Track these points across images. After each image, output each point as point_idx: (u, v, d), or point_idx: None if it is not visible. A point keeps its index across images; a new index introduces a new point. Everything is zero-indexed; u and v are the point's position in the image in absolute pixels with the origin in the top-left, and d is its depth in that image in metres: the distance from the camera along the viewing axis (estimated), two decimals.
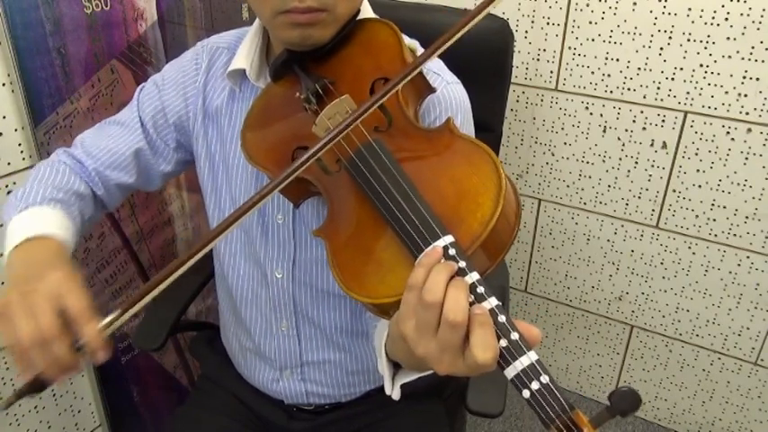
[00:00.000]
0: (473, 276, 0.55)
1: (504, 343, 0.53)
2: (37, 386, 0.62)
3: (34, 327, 0.59)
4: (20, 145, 1.06)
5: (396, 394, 0.67)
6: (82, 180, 0.89)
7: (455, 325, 0.52)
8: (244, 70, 0.84)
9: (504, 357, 0.53)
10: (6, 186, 1.06)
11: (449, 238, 0.57)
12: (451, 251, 0.56)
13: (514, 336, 0.53)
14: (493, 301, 0.54)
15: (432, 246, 0.56)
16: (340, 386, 0.97)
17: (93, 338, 0.59)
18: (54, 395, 1.24)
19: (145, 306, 0.63)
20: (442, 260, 0.55)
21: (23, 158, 1.07)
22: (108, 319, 0.60)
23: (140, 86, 0.94)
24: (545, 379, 0.52)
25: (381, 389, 0.99)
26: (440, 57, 0.86)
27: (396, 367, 0.69)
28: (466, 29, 0.66)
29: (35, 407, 1.20)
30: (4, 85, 1.01)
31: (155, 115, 0.91)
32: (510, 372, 0.53)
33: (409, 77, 0.66)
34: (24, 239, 0.73)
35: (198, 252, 0.60)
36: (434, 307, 0.53)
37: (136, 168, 0.92)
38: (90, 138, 0.92)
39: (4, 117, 1.03)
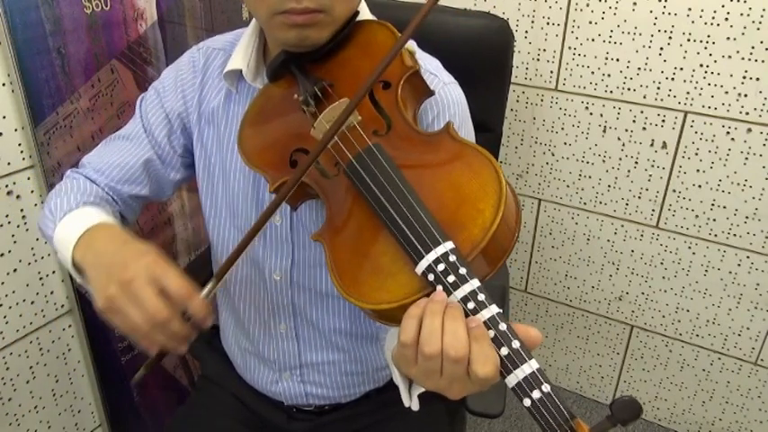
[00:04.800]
0: (474, 283, 0.55)
1: (504, 351, 0.53)
2: (162, 357, 0.69)
3: (145, 314, 0.62)
4: (20, 145, 1.06)
5: (414, 405, 0.67)
6: (104, 191, 0.88)
7: (458, 359, 0.53)
8: (240, 71, 0.84)
9: (506, 366, 0.53)
10: (6, 186, 1.06)
11: (449, 245, 0.57)
12: (452, 258, 0.56)
13: (515, 344, 0.53)
14: (494, 309, 0.54)
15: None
16: (339, 387, 0.97)
17: (199, 310, 0.63)
18: (54, 395, 1.24)
19: None
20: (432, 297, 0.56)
21: (23, 158, 1.07)
22: (206, 289, 0.65)
23: (141, 96, 0.94)
24: (546, 388, 0.52)
25: (381, 389, 0.99)
26: (439, 57, 0.87)
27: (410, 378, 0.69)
28: None
29: (35, 407, 1.21)
30: (4, 85, 1.01)
31: (160, 123, 0.91)
32: (511, 380, 0.53)
33: (395, 55, 0.66)
34: (83, 232, 0.74)
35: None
36: (436, 356, 0.54)
37: (147, 179, 0.91)
38: (97, 156, 0.91)
39: (4, 117, 1.03)
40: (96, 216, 0.78)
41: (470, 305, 0.55)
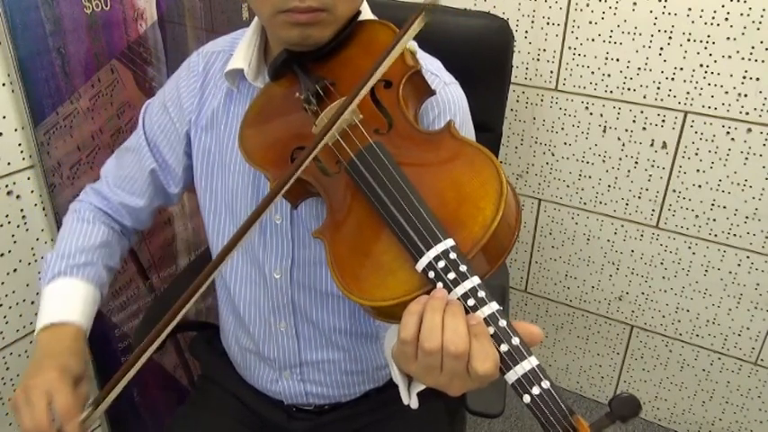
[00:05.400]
0: (474, 281, 0.55)
1: (504, 348, 0.53)
2: None
3: (32, 419, 0.71)
4: (20, 145, 1.06)
5: (414, 403, 0.67)
6: (107, 224, 0.95)
7: (458, 355, 0.53)
8: (242, 70, 0.84)
9: (505, 362, 0.53)
10: (6, 186, 1.06)
11: (450, 242, 0.57)
12: (452, 255, 0.56)
13: (515, 341, 0.53)
14: (494, 306, 0.54)
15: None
16: (339, 386, 0.97)
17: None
18: None
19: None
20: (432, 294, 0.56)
21: (23, 158, 1.07)
22: (84, 414, 0.72)
23: (145, 106, 0.96)
24: (546, 384, 0.52)
25: (381, 389, 0.99)
26: (439, 57, 0.87)
27: (409, 376, 0.69)
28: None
29: None
30: (4, 85, 1.01)
31: (163, 132, 0.92)
32: (511, 376, 0.53)
33: (392, 57, 0.67)
34: (47, 324, 0.83)
35: (206, 279, 0.66)
36: (436, 352, 0.54)
37: (155, 190, 0.96)
38: (112, 170, 0.97)
39: (4, 117, 1.03)
40: (69, 306, 0.86)
41: (470, 302, 0.55)
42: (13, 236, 1.09)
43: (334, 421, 0.99)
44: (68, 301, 0.86)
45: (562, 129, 1.56)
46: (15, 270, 1.10)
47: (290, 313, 0.91)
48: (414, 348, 0.55)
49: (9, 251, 1.09)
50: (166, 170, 0.94)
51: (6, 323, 1.11)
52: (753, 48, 1.29)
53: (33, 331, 1.16)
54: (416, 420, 0.98)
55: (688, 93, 1.39)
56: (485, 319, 0.54)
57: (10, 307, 1.11)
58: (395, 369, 0.66)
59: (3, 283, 1.09)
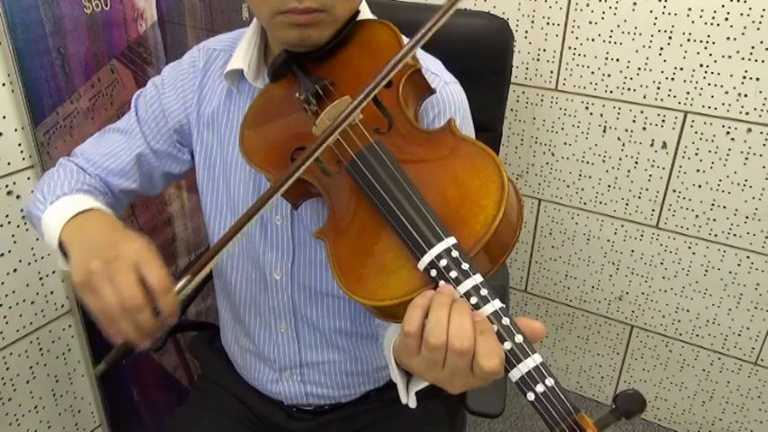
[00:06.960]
0: (476, 278, 0.55)
1: (508, 346, 0.53)
2: (127, 350, 0.66)
3: (119, 296, 0.61)
4: (20, 145, 1.06)
5: (412, 402, 0.67)
6: (94, 180, 0.89)
7: (463, 352, 0.53)
8: (241, 70, 0.84)
9: (509, 360, 0.53)
10: (6, 186, 1.06)
11: (451, 240, 0.57)
12: (454, 253, 0.56)
13: (518, 338, 0.53)
14: (497, 303, 0.54)
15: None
16: (339, 387, 0.97)
17: (169, 307, 0.62)
18: (54, 395, 1.24)
19: None
20: (438, 290, 0.56)
21: (23, 158, 1.07)
22: (180, 284, 0.63)
23: (138, 92, 0.94)
24: (550, 382, 0.52)
25: (381, 389, 0.99)
26: (439, 57, 0.87)
27: (408, 375, 0.69)
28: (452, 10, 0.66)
29: (35, 407, 1.20)
30: (4, 85, 1.01)
31: (155, 118, 0.91)
32: (515, 374, 0.53)
33: (401, 63, 0.66)
34: (75, 214, 0.74)
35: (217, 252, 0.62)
36: (441, 347, 0.54)
37: (138, 173, 0.92)
38: (90, 147, 0.92)
39: (4, 117, 1.02)
40: (91, 202, 0.78)
41: (473, 300, 0.55)
42: (12, 236, 1.08)
43: (333, 422, 0.99)
44: (90, 201, 0.77)
45: (562, 129, 1.56)
46: (15, 270, 1.10)
47: (291, 314, 0.91)
48: (417, 342, 0.55)
49: (9, 251, 1.09)
50: (155, 155, 0.92)
51: (6, 323, 1.11)
52: (753, 48, 1.29)
53: (34, 331, 1.17)
54: (416, 421, 0.98)
55: (688, 93, 1.39)
56: (488, 316, 0.54)
57: (10, 307, 1.11)
58: (393, 367, 0.66)
59: (3, 283, 1.09)
